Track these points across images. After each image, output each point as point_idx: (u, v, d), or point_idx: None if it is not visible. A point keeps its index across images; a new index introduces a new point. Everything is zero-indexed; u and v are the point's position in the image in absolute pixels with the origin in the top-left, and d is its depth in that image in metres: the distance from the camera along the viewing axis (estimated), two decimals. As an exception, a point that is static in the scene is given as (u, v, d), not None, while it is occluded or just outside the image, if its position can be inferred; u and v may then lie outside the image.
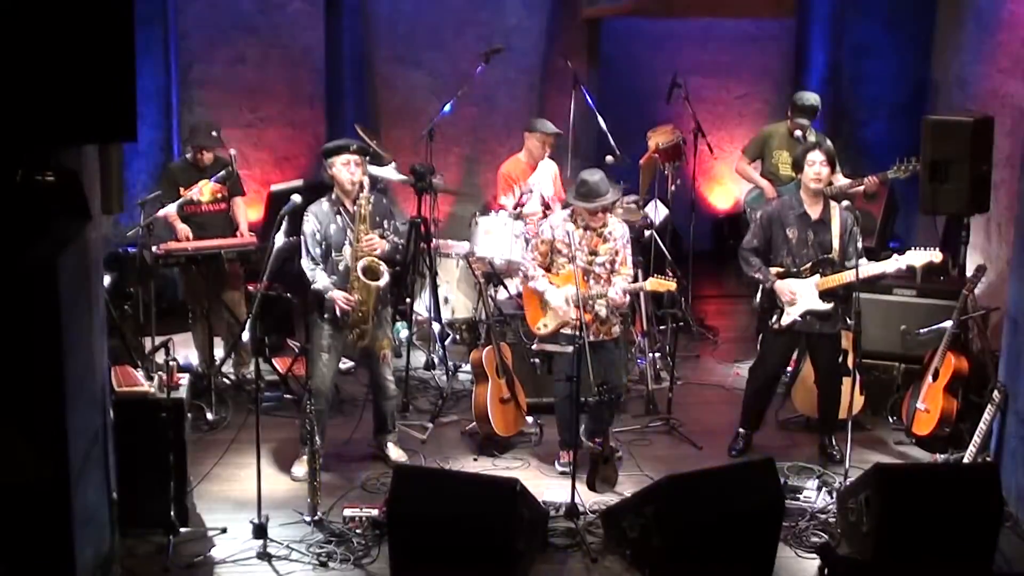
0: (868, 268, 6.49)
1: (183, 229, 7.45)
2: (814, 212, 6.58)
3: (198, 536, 5.85)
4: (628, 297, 6.67)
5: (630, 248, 6.67)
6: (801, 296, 6.56)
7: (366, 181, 6.35)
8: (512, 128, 9.58)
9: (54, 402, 4.83)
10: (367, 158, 6.57)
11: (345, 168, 6.33)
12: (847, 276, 6.47)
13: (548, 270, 6.58)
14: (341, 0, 9.70)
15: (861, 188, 7.82)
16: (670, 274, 7.75)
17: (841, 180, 7.77)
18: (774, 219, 6.67)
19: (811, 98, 8.18)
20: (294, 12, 9.31)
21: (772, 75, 10.77)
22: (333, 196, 6.42)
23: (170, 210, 7.40)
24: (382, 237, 6.40)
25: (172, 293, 8.43)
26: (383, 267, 6.33)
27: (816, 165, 6.50)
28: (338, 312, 6.33)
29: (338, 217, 6.39)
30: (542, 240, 6.59)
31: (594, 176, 6.43)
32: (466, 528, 5.33)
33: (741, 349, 8.54)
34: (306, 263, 6.39)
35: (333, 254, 6.39)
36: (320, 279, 6.36)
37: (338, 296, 6.30)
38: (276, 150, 9.46)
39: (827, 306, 6.55)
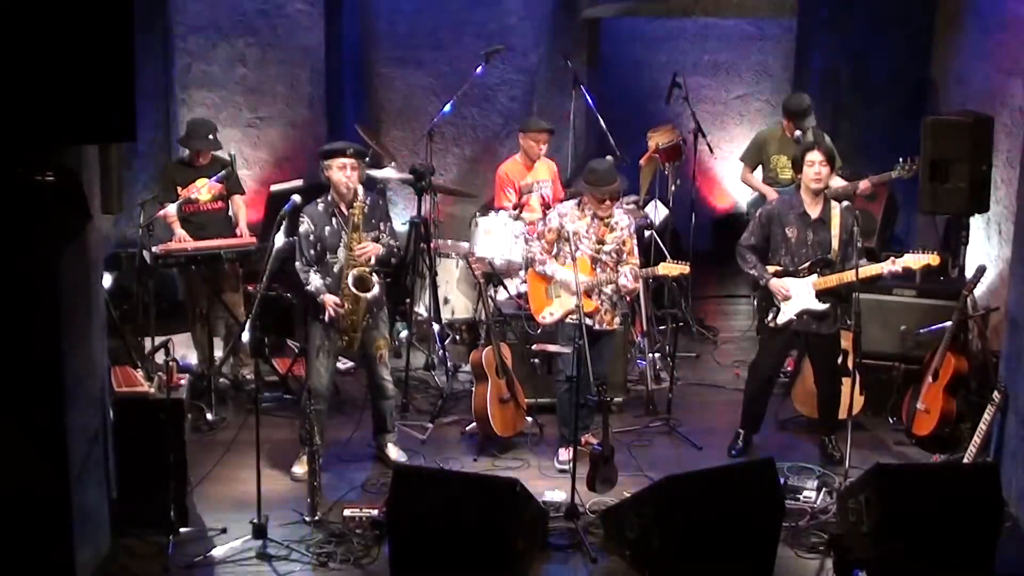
0: (865, 269, 6.48)
1: (180, 234, 7.43)
2: (814, 211, 6.58)
3: (198, 536, 5.85)
4: (639, 282, 6.73)
5: (636, 239, 6.74)
6: (797, 295, 6.57)
7: (360, 188, 6.34)
8: (512, 128, 9.57)
9: (54, 402, 4.84)
10: (365, 161, 6.57)
11: (341, 172, 6.32)
12: (845, 276, 6.47)
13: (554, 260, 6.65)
14: (341, 0, 9.70)
15: (856, 190, 7.79)
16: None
17: (836, 182, 7.73)
18: (773, 217, 6.67)
19: (804, 99, 8.18)
20: (294, 12, 9.31)
21: (772, 75, 10.77)
22: (329, 198, 6.42)
23: (170, 211, 7.39)
24: (377, 240, 6.41)
25: (172, 293, 8.42)
26: (374, 278, 6.33)
27: (816, 165, 6.49)
28: (326, 318, 6.34)
29: (333, 219, 6.39)
30: (549, 228, 6.64)
31: (603, 164, 6.55)
32: (466, 528, 5.33)
33: (741, 349, 8.54)
34: (300, 265, 6.39)
35: (328, 256, 6.39)
36: (313, 281, 6.36)
37: (328, 300, 6.31)
38: (276, 150, 9.46)
39: (823, 306, 6.55)
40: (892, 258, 6.59)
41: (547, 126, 8.12)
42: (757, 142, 8.38)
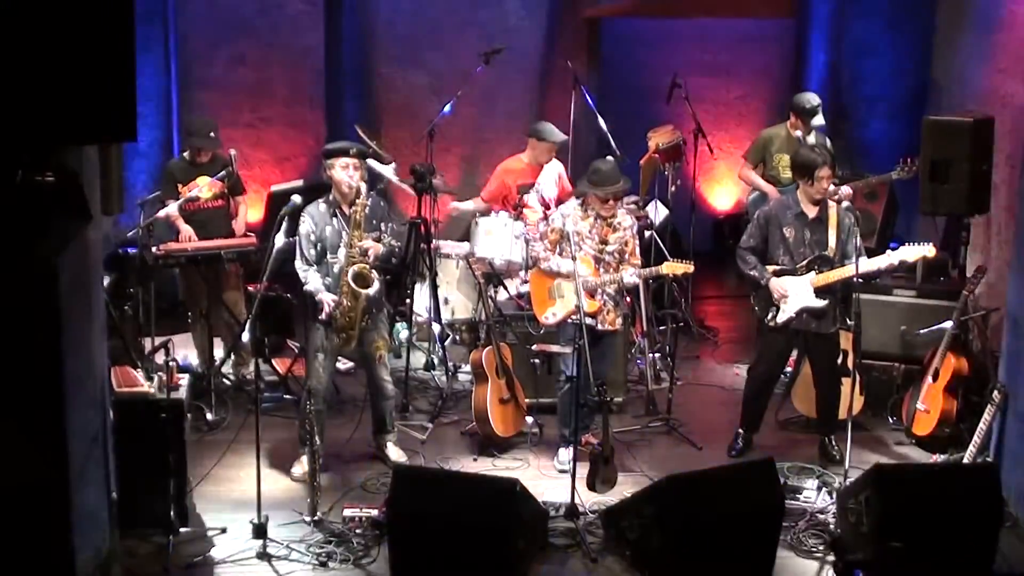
0: (863, 264, 6.48)
1: (186, 230, 7.46)
2: (811, 211, 6.60)
3: (198, 536, 5.85)
4: (640, 281, 6.72)
5: (638, 240, 6.76)
6: (795, 293, 6.57)
7: (363, 187, 6.34)
8: (512, 128, 9.57)
9: (54, 402, 4.83)
10: (366, 161, 6.57)
11: (344, 171, 6.33)
12: (844, 272, 6.48)
13: None
14: (341, 0, 9.71)
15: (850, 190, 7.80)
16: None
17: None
18: (771, 218, 6.69)
19: (813, 98, 8.19)
20: (294, 12, 9.33)
21: (772, 75, 10.78)
22: (330, 197, 6.42)
23: (172, 210, 7.41)
24: (378, 240, 6.40)
25: (172, 293, 8.43)
26: (374, 275, 6.33)
27: (824, 181, 6.52)
28: (323, 315, 6.34)
29: (334, 219, 6.39)
30: (552, 229, 6.63)
31: (607, 164, 6.57)
32: (466, 528, 5.33)
33: (741, 350, 8.54)
34: (299, 264, 6.39)
35: (328, 256, 6.39)
36: (312, 280, 6.36)
37: (326, 298, 6.31)
38: (276, 150, 9.47)
39: (822, 303, 6.55)
40: (889, 251, 6.61)
41: (564, 137, 8.11)
42: (762, 140, 8.39)
